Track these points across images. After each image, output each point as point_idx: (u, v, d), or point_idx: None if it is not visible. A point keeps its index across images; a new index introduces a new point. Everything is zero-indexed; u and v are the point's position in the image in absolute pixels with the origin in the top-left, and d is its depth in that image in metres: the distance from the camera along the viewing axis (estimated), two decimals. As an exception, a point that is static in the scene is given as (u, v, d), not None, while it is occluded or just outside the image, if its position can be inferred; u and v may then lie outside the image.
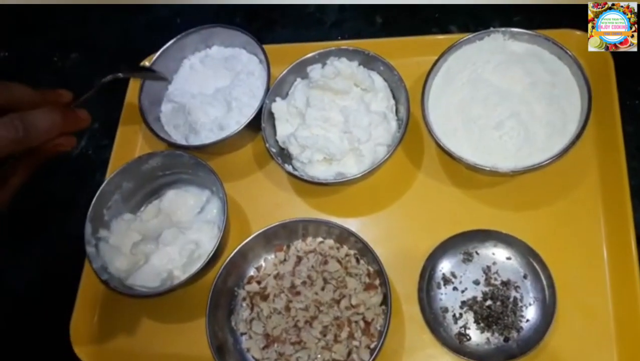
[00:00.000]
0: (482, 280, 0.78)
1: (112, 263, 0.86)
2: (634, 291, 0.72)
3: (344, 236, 0.81)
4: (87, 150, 1.07)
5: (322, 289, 0.80)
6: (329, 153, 0.82)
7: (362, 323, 0.77)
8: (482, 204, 0.83)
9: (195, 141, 0.92)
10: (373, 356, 0.71)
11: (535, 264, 0.77)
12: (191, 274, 0.80)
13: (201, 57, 1.00)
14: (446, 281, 0.79)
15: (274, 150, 0.86)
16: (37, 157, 0.64)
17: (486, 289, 0.77)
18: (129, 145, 1.01)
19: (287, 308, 0.80)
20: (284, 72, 0.90)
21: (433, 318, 0.77)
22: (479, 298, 0.77)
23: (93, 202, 0.87)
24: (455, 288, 0.78)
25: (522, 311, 0.75)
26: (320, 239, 0.84)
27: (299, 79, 0.91)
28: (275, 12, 1.10)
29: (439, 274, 0.79)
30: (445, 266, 0.80)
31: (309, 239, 0.85)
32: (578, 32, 0.87)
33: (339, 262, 0.82)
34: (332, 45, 0.90)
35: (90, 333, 0.89)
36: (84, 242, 0.84)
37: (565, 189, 0.81)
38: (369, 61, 0.88)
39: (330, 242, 0.84)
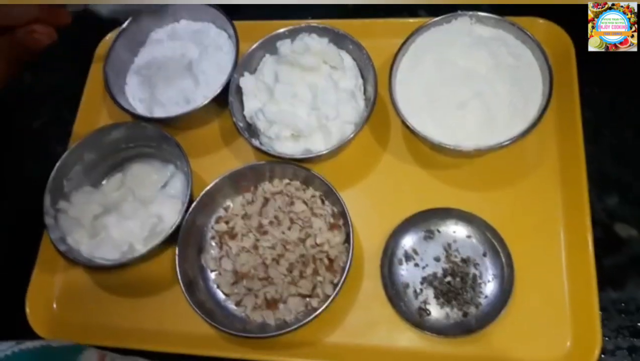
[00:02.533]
0: (442, 257, 0.79)
1: (71, 235, 0.84)
2: (588, 271, 0.74)
3: (310, 178, 0.83)
4: (48, 122, 1.04)
5: (289, 229, 0.82)
6: (297, 129, 0.82)
7: (326, 261, 0.79)
8: (445, 184, 0.84)
9: (160, 114, 0.90)
10: (336, 291, 0.74)
11: (494, 242, 0.78)
12: (152, 247, 0.79)
13: (169, 30, 0.99)
14: (408, 257, 0.80)
15: (241, 125, 0.86)
16: (14, 45, 0.61)
17: (446, 266, 0.78)
18: (91, 117, 0.99)
19: (255, 247, 0.82)
20: (253, 47, 0.89)
21: (395, 294, 0.78)
22: (439, 275, 0.78)
23: (53, 172, 0.85)
24: (416, 265, 0.79)
25: (480, 287, 0.77)
26: (286, 181, 0.86)
27: (267, 55, 0.90)
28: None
29: (401, 251, 0.80)
30: (407, 243, 0.81)
31: (276, 181, 0.86)
32: (541, 20, 0.89)
33: (304, 203, 0.84)
34: (303, 22, 0.90)
35: (47, 306, 0.87)
36: (43, 213, 0.83)
37: (526, 171, 0.83)
38: (338, 39, 0.88)
39: (296, 183, 0.85)
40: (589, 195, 0.78)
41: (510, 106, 0.78)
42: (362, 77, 0.88)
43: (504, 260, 0.77)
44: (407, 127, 0.79)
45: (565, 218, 0.80)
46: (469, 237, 0.80)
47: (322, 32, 0.87)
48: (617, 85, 0.89)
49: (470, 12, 0.85)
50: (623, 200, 0.82)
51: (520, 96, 0.79)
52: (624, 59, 0.86)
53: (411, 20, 0.94)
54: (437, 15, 0.87)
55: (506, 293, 0.75)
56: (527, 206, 0.81)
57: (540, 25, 0.88)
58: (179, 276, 0.78)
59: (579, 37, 0.85)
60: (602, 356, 0.73)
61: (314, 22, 0.89)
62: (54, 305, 0.87)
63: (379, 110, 0.87)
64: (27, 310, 0.85)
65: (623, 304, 0.76)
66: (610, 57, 0.87)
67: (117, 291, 0.86)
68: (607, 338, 0.74)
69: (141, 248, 0.83)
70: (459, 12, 0.85)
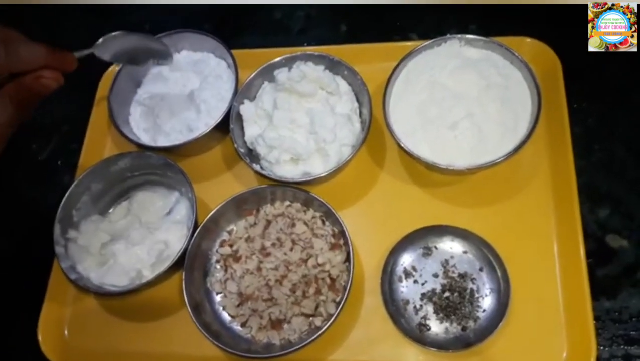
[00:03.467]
0: (440, 273, 0.82)
1: (81, 263, 0.87)
2: (582, 282, 0.76)
3: (310, 199, 0.86)
4: (56, 154, 1.07)
5: (291, 250, 0.85)
6: (296, 153, 0.85)
7: (328, 280, 0.82)
8: (440, 201, 0.87)
9: (164, 143, 0.94)
10: (339, 309, 0.76)
11: (490, 257, 0.81)
12: (160, 272, 0.82)
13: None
14: (407, 274, 0.82)
15: (242, 150, 0.89)
16: (21, 89, 0.63)
17: (445, 281, 0.81)
18: (97, 147, 1.02)
19: (259, 269, 0.85)
20: (252, 75, 0.93)
21: (395, 310, 0.80)
22: (438, 290, 0.80)
23: (62, 202, 0.88)
24: (415, 281, 0.82)
25: (478, 302, 0.79)
26: (287, 203, 0.89)
27: (266, 82, 0.94)
28: (243, 19, 1.13)
29: (400, 268, 0.83)
30: (406, 260, 0.83)
31: (277, 203, 0.90)
32: (528, 39, 0.92)
33: (305, 224, 0.87)
34: (299, 50, 0.93)
35: (58, 334, 0.89)
36: (53, 242, 0.86)
37: (518, 186, 0.85)
38: (333, 66, 0.91)
39: (297, 205, 0.88)
40: (580, 208, 0.80)
41: (501, 125, 0.81)
42: (357, 101, 0.91)
43: (499, 274, 0.80)
44: (402, 148, 0.82)
45: (558, 232, 0.82)
46: (465, 252, 0.82)
47: (317, 59, 0.91)
48: (605, 99, 0.92)
49: (459, 35, 0.88)
50: (614, 212, 0.84)
51: (511, 115, 0.81)
52: (614, 68, 0.90)
53: (402, 43, 0.97)
54: (427, 38, 0.91)
55: (503, 307, 0.77)
56: (521, 221, 0.84)
57: (527, 44, 0.92)
58: (186, 300, 0.80)
59: (567, 51, 0.89)
60: (598, 365, 0.75)
61: (309, 50, 0.93)
62: (66, 332, 0.90)
63: (375, 132, 0.90)
64: (40, 337, 0.87)
65: (617, 313, 0.79)
66: (599, 67, 0.90)
67: (125, 316, 0.89)
68: (602, 348, 0.77)
69: (149, 274, 0.86)
70: (449, 35, 0.88)
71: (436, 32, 1.00)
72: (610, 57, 0.84)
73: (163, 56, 0.91)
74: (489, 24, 0.99)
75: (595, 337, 0.73)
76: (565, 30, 0.91)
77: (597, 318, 0.76)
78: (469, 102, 0.83)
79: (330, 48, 0.97)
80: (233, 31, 1.12)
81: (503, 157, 0.78)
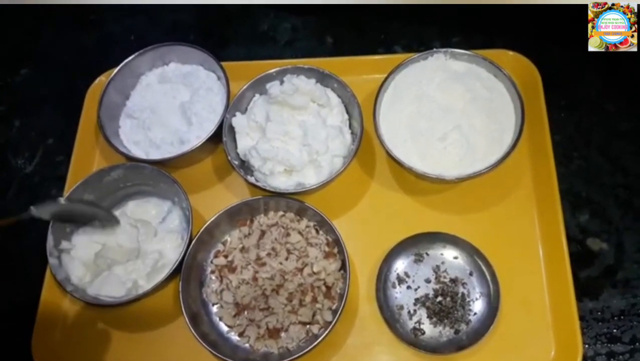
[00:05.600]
0: (432, 278, 0.85)
1: (76, 274, 0.87)
2: (567, 284, 0.81)
3: (303, 209, 0.88)
4: (42, 167, 1.06)
5: (286, 259, 0.87)
6: (290, 164, 0.87)
7: (323, 288, 0.84)
8: (431, 209, 0.90)
9: (156, 155, 0.94)
10: (336, 317, 0.78)
11: (479, 262, 0.84)
12: (157, 283, 0.83)
13: (158, 73, 1.03)
14: (400, 280, 0.85)
15: (236, 162, 0.90)
16: None
17: (437, 286, 0.84)
18: (86, 160, 1.02)
19: (255, 279, 0.86)
20: (243, 88, 0.94)
21: (390, 316, 0.83)
22: (431, 295, 0.83)
23: (62, 200, 0.87)
24: (409, 287, 0.85)
25: (469, 305, 0.82)
26: (281, 213, 0.91)
27: (257, 95, 0.95)
28: (228, 30, 1.14)
29: (393, 274, 0.86)
30: (399, 267, 0.86)
31: (271, 213, 0.91)
32: (510, 53, 0.96)
33: (300, 233, 0.88)
34: (289, 63, 0.95)
35: (53, 347, 0.88)
36: (46, 254, 0.85)
37: (504, 193, 0.89)
38: (324, 79, 0.94)
39: (290, 215, 0.90)
40: (562, 213, 0.85)
41: (487, 136, 0.84)
42: (348, 112, 0.94)
43: (489, 278, 0.83)
44: (394, 158, 0.85)
45: (543, 235, 0.86)
46: (455, 258, 0.86)
47: (308, 72, 0.93)
48: (581, 108, 0.96)
49: (444, 49, 0.91)
50: (593, 216, 0.89)
51: (496, 126, 0.85)
52: (590, 77, 0.95)
53: (389, 56, 1.00)
54: (411, 50, 0.94)
55: (493, 309, 0.81)
56: (507, 226, 0.88)
57: (509, 57, 0.96)
58: (184, 311, 0.81)
59: (545, 62, 0.94)
60: (584, 362, 0.79)
61: (300, 63, 0.95)
62: (60, 345, 0.89)
63: (365, 143, 0.93)
64: (34, 351, 0.87)
65: (599, 313, 0.83)
66: (575, 77, 0.95)
67: (121, 327, 0.89)
68: (587, 346, 0.81)
69: (145, 284, 0.86)
70: (434, 49, 0.92)
71: (419, 45, 1.05)
72: (587, 65, 0.88)
73: (108, 220, 0.90)
74: (470, 37, 1.03)
75: (581, 336, 0.77)
76: (545, 42, 0.96)
77: (581, 318, 0.80)
78: (456, 115, 0.86)
79: (318, 60, 0.99)
80: (219, 43, 1.13)
81: (490, 166, 0.82)
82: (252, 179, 0.89)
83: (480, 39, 1.01)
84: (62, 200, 0.85)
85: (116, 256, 0.88)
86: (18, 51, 1.20)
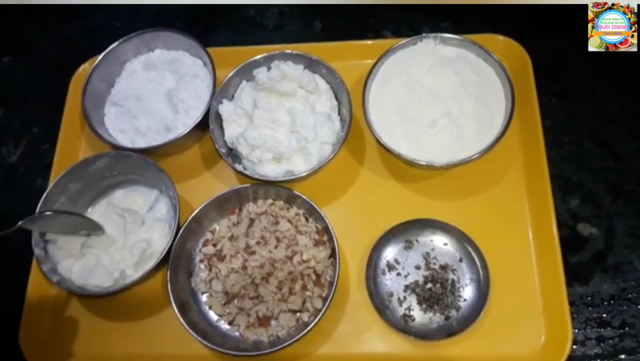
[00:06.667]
0: (422, 265, 0.84)
1: (62, 265, 0.86)
2: (557, 269, 0.80)
3: (292, 197, 0.87)
4: (27, 156, 1.05)
5: (275, 247, 0.86)
6: (278, 152, 0.86)
7: (313, 276, 0.84)
8: (420, 195, 0.89)
9: (142, 144, 0.93)
10: (326, 304, 0.78)
11: (469, 248, 0.84)
12: (145, 272, 0.82)
13: (144, 60, 1.01)
14: (390, 267, 0.85)
15: (223, 150, 0.89)
16: None
17: (427, 273, 0.83)
18: (71, 148, 1.01)
19: (244, 267, 0.85)
20: (230, 75, 0.93)
21: (380, 303, 0.82)
22: (421, 282, 0.83)
23: (39, 204, 0.86)
24: (398, 274, 0.84)
25: (459, 291, 0.82)
26: (270, 201, 0.90)
27: (244, 81, 0.94)
28: (215, 16, 1.12)
29: (383, 261, 0.85)
30: (389, 254, 0.86)
31: (260, 201, 0.90)
32: (500, 37, 0.95)
33: (289, 221, 0.88)
34: (276, 49, 0.94)
35: (41, 339, 0.88)
36: (32, 245, 0.84)
37: (494, 179, 0.89)
38: (312, 65, 0.92)
39: (280, 203, 0.90)
40: (553, 198, 0.84)
41: (477, 122, 0.84)
42: (337, 99, 0.93)
43: (479, 264, 0.83)
44: (383, 145, 0.84)
45: (533, 221, 0.86)
46: (445, 244, 0.85)
47: (296, 58, 0.92)
48: (571, 93, 0.96)
49: (434, 34, 0.90)
50: (583, 201, 0.88)
51: (486, 112, 0.84)
52: (580, 64, 0.94)
53: (378, 42, 0.99)
54: (400, 35, 0.92)
55: (483, 295, 0.81)
56: (497, 212, 0.87)
57: (498, 42, 0.95)
58: (172, 300, 0.81)
59: (535, 47, 0.93)
60: (574, 347, 0.79)
61: (288, 49, 0.93)
62: (48, 337, 0.88)
63: (354, 130, 0.92)
64: (22, 343, 0.86)
65: (589, 298, 0.83)
66: (566, 63, 0.94)
67: (109, 317, 0.88)
68: (577, 330, 0.81)
69: (132, 274, 0.86)
70: (424, 34, 0.90)
71: (409, 30, 1.04)
72: (577, 53, 0.88)
73: (94, 229, 0.89)
74: (460, 21, 1.02)
75: (571, 321, 0.77)
76: (535, 28, 0.95)
77: (571, 303, 0.80)
78: (446, 100, 0.85)
79: (306, 46, 0.98)
80: (205, 29, 1.11)
81: (480, 152, 0.81)
82: (240, 167, 0.88)
83: (470, 24, 1.00)
84: (48, 213, 0.84)
85: (103, 245, 0.87)
86: (0, 40, 1.17)
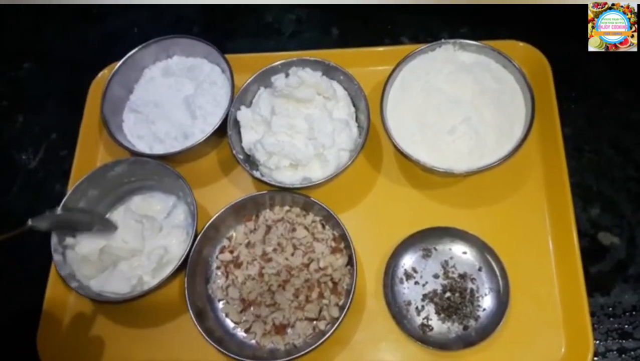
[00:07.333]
0: (441, 273, 0.83)
1: (80, 270, 0.86)
2: (577, 279, 0.79)
3: (309, 204, 0.87)
4: (46, 162, 1.06)
5: (292, 254, 0.86)
6: (295, 159, 0.85)
7: (330, 284, 0.84)
8: (439, 203, 0.89)
9: (160, 150, 0.93)
10: (344, 313, 0.77)
11: (489, 257, 0.83)
12: (162, 279, 0.82)
13: (162, 66, 1.02)
14: (408, 276, 0.84)
15: (240, 156, 0.89)
16: None
17: (445, 282, 0.83)
18: (90, 154, 1.02)
19: (261, 274, 0.85)
20: (248, 81, 0.93)
21: (398, 312, 0.82)
22: (439, 291, 0.82)
23: (59, 210, 0.86)
24: (416, 283, 0.84)
25: (478, 301, 0.81)
26: (287, 208, 0.90)
27: (262, 88, 0.94)
28: (233, 23, 1.13)
29: (401, 270, 0.85)
30: (407, 262, 0.85)
31: (276, 208, 0.90)
32: (520, 43, 0.94)
33: (306, 228, 0.88)
34: (294, 55, 0.94)
35: (58, 344, 0.88)
36: (51, 250, 0.85)
37: (514, 187, 0.88)
38: (329, 71, 0.92)
39: (296, 210, 0.90)
40: (573, 207, 0.83)
41: (497, 129, 0.83)
42: (354, 105, 0.92)
43: (498, 273, 0.82)
44: (402, 152, 0.83)
45: (553, 230, 0.85)
46: (464, 253, 0.84)
47: (314, 65, 0.92)
48: (590, 101, 0.94)
49: (453, 40, 0.89)
50: (604, 210, 0.87)
51: (505, 119, 0.84)
52: (599, 69, 0.92)
53: (396, 47, 0.99)
54: (417, 41, 0.92)
55: (503, 305, 0.80)
56: (517, 221, 0.86)
57: (519, 48, 0.94)
58: (189, 307, 0.81)
59: (555, 53, 0.92)
60: (595, 359, 0.78)
61: (305, 55, 0.93)
62: (65, 342, 0.89)
63: (372, 136, 0.91)
64: (39, 348, 0.87)
65: (610, 308, 0.82)
66: (584, 68, 0.93)
67: (126, 323, 0.89)
68: (598, 342, 0.79)
69: (150, 280, 0.86)
70: (442, 40, 0.90)
71: (427, 36, 1.03)
72: (595, 57, 0.87)
73: (106, 225, 0.89)
74: (479, 27, 1.01)
75: (592, 332, 0.76)
76: (553, 32, 0.94)
77: (592, 314, 0.79)
78: (465, 107, 0.85)
79: (324, 52, 0.98)
80: (223, 35, 1.12)
81: (500, 160, 0.81)
82: (257, 174, 0.88)
83: (488, 30, 0.99)
84: (58, 209, 0.84)
85: (121, 252, 0.88)
86: (20, 45, 1.19)
